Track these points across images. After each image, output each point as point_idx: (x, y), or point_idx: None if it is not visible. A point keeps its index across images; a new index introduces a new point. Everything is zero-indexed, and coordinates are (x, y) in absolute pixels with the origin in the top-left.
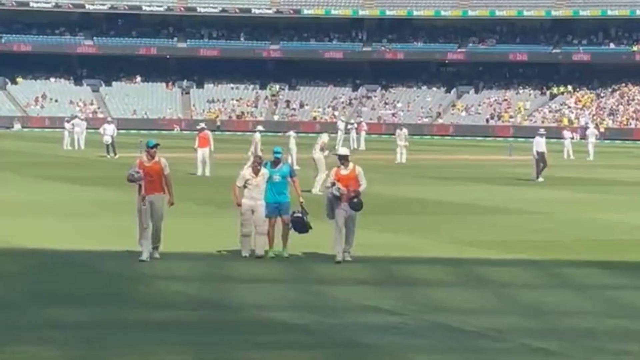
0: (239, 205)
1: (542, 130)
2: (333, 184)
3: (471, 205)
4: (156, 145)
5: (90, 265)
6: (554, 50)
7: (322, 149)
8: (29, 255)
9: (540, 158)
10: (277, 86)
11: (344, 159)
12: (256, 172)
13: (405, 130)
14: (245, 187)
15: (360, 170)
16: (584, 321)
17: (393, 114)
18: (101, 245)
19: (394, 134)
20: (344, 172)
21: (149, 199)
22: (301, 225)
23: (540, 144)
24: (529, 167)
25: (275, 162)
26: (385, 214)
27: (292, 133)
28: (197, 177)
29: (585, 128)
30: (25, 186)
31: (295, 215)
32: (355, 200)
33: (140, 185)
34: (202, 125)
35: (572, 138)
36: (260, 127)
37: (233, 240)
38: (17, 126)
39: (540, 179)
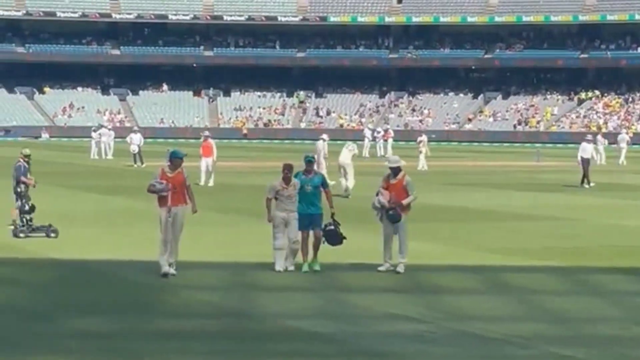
0: (270, 220)
1: (589, 136)
2: (378, 193)
3: (497, 212)
4: (181, 158)
5: (117, 275)
6: (582, 55)
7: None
8: (56, 265)
9: (585, 164)
10: (303, 94)
11: (394, 170)
12: (287, 182)
13: (425, 137)
14: (276, 199)
15: (409, 179)
16: (610, 328)
17: (420, 121)
18: (127, 255)
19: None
20: (392, 180)
21: (173, 211)
22: (334, 237)
23: (586, 150)
24: (557, 172)
25: (308, 171)
26: (410, 221)
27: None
28: (202, 186)
29: (617, 134)
30: (52, 196)
31: (327, 228)
32: (391, 212)
33: (162, 197)
34: (207, 133)
35: (602, 144)
36: (324, 136)
37: (257, 249)
38: (45, 136)
39: (592, 184)
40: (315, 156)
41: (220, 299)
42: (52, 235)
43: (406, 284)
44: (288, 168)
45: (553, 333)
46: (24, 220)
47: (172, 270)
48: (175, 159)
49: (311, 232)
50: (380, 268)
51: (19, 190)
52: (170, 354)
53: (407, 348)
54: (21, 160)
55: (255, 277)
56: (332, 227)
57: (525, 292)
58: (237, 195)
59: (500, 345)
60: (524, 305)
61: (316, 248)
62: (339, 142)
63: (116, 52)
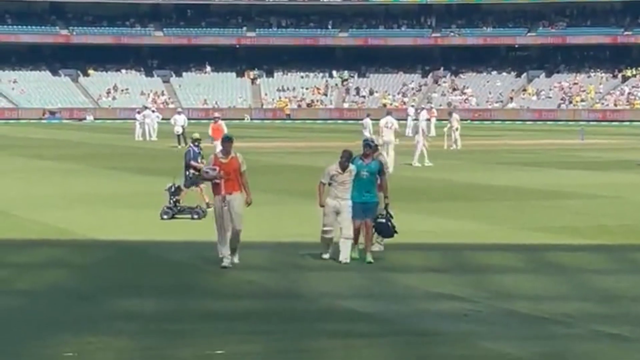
0: (322, 206)
1: None
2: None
3: (541, 191)
4: (231, 139)
5: (163, 256)
6: (626, 33)
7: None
8: (102, 246)
9: None
10: (346, 73)
11: (369, 149)
12: (343, 168)
13: (456, 115)
14: (330, 184)
15: (384, 159)
16: None
17: (465, 100)
18: (173, 236)
19: (464, 120)
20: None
21: (227, 199)
22: (385, 230)
23: None
24: (602, 150)
25: (366, 156)
26: (453, 200)
27: (367, 120)
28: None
29: None
30: (97, 178)
31: (378, 220)
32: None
33: (216, 184)
34: (217, 114)
35: None
36: (425, 115)
37: (302, 229)
38: (89, 118)
39: None
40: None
41: (266, 280)
42: (195, 217)
43: (452, 263)
44: (347, 156)
45: (599, 312)
46: (171, 201)
47: (235, 259)
48: (225, 142)
49: (365, 222)
50: (324, 256)
51: (187, 173)
52: (215, 335)
53: (453, 327)
54: (191, 145)
55: (301, 257)
56: (383, 220)
57: (571, 271)
58: (281, 175)
59: (546, 325)
60: (570, 284)
61: (369, 239)
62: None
63: (159, 34)
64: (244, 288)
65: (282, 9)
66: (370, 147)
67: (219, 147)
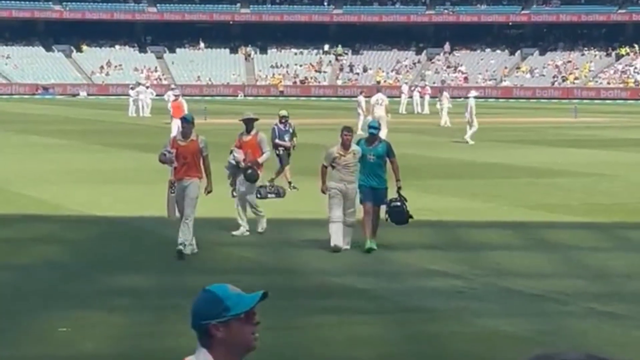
0: (324, 192)
1: None
2: (231, 152)
3: (535, 169)
4: (190, 121)
5: (156, 232)
6: (620, 10)
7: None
8: (95, 222)
9: None
10: (342, 49)
11: (248, 126)
12: (346, 147)
13: (446, 94)
14: (333, 167)
15: (263, 136)
16: None
17: (466, 78)
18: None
19: (457, 97)
20: (245, 137)
21: (181, 185)
22: (400, 215)
23: None
24: (595, 128)
25: (371, 139)
26: (448, 178)
27: (361, 97)
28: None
29: None
30: (91, 154)
31: (393, 204)
32: (249, 172)
33: (175, 168)
34: (177, 92)
35: None
36: (474, 92)
37: (295, 205)
38: (83, 94)
39: None
40: (468, 114)
41: (261, 256)
42: (278, 196)
43: (447, 241)
44: (347, 130)
45: (594, 289)
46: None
47: (187, 250)
48: (184, 124)
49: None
50: (234, 232)
51: (276, 152)
52: None
53: (448, 304)
54: (277, 123)
55: (295, 233)
56: (399, 204)
57: (566, 249)
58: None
59: (540, 302)
60: (565, 262)
61: (376, 225)
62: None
63: (153, 9)
64: (237, 264)
65: None
66: (375, 133)
67: (175, 127)
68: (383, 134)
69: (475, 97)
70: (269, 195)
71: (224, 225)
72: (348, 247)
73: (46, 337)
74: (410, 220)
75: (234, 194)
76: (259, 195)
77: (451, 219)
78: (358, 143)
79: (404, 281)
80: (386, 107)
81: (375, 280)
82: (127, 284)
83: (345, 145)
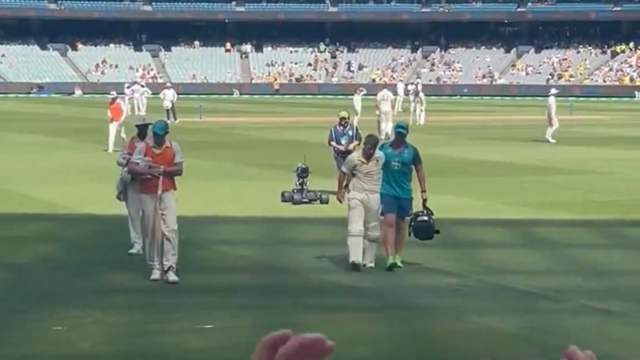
0: (340, 200)
1: None
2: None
3: (531, 166)
4: (165, 132)
5: None
6: (615, 8)
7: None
8: (91, 220)
9: None
10: (330, 48)
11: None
12: (367, 156)
13: (422, 95)
14: (354, 174)
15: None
16: None
17: (467, 75)
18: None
19: (454, 95)
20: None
21: (163, 198)
22: (426, 231)
23: None
24: (591, 126)
25: (398, 142)
26: (443, 176)
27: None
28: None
29: None
30: (87, 152)
31: (420, 219)
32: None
33: (146, 180)
34: (114, 94)
35: None
36: (553, 90)
37: (285, 205)
38: (78, 92)
39: None
40: (552, 112)
41: (255, 254)
42: (321, 202)
43: (441, 238)
44: (372, 142)
45: (588, 286)
46: (297, 183)
47: (172, 276)
48: (156, 136)
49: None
50: (131, 251)
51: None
52: (205, 309)
53: (442, 301)
54: (336, 125)
55: (290, 231)
56: (426, 218)
57: (560, 246)
58: (270, 150)
59: (535, 299)
60: (559, 259)
61: (400, 240)
62: (370, 96)
63: (148, 8)
64: (233, 262)
65: None
66: (402, 135)
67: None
68: (389, 127)
69: (555, 96)
70: (315, 201)
71: (219, 221)
72: (372, 264)
73: (42, 336)
74: (436, 235)
75: (121, 197)
76: (306, 200)
77: (447, 217)
78: (382, 148)
79: (398, 279)
80: (391, 102)
81: (369, 277)
82: (122, 281)
83: (367, 155)
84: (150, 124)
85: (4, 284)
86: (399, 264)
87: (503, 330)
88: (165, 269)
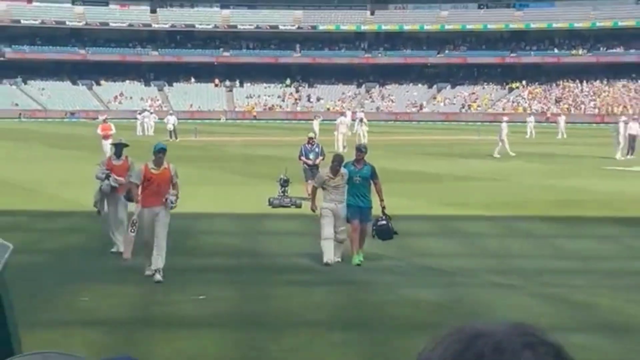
0: (313, 210)
1: (636, 115)
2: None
3: (449, 175)
4: (164, 150)
5: None
6: (511, 55)
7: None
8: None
9: (631, 140)
10: (290, 82)
11: (360, 153)
12: (334, 172)
13: (364, 120)
14: (324, 189)
15: (132, 162)
16: (537, 263)
17: (406, 105)
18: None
19: (389, 121)
20: (116, 162)
21: (152, 211)
22: (386, 233)
23: (633, 128)
24: (493, 144)
25: (357, 161)
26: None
27: (315, 121)
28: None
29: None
30: None
31: (380, 223)
32: (130, 194)
33: (148, 195)
34: (104, 116)
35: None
36: (505, 118)
37: (265, 203)
38: (101, 118)
39: (629, 157)
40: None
41: (237, 242)
42: (295, 206)
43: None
44: (338, 160)
45: (493, 267)
46: (280, 192)
47: (158, 277)
48: (158, 153)
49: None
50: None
51: (303, 168)
52: (199, 284)
53: (380, 278)
54: (305, 143)
55: (264, 225)
56: (385, 222)
57: (471, 236)
58: (248, 162)
59: (453, 276)
60: (471, 246)
61: (362, 240)
62: (325, 121)
63: (155, 53)
64: (216, 248)
65: (250, 35)
66: (362, 152)
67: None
68: (340, 144)
69: (507, 122)
70: (291, 206)
71: (206, 216)
72: (339, 259)
73: (71, 305)
74: (395, 235)
75: (101, 212)
76: (285, 204)
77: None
78: (345, 165)
79: (347, 261)
80: (346, 125)
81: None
82: (134, 264)
83: (334, 171)
84: (126, 144)
85: (41, 265)
86: (362, 258)
87: (427, 300)
88: (153, 271)
